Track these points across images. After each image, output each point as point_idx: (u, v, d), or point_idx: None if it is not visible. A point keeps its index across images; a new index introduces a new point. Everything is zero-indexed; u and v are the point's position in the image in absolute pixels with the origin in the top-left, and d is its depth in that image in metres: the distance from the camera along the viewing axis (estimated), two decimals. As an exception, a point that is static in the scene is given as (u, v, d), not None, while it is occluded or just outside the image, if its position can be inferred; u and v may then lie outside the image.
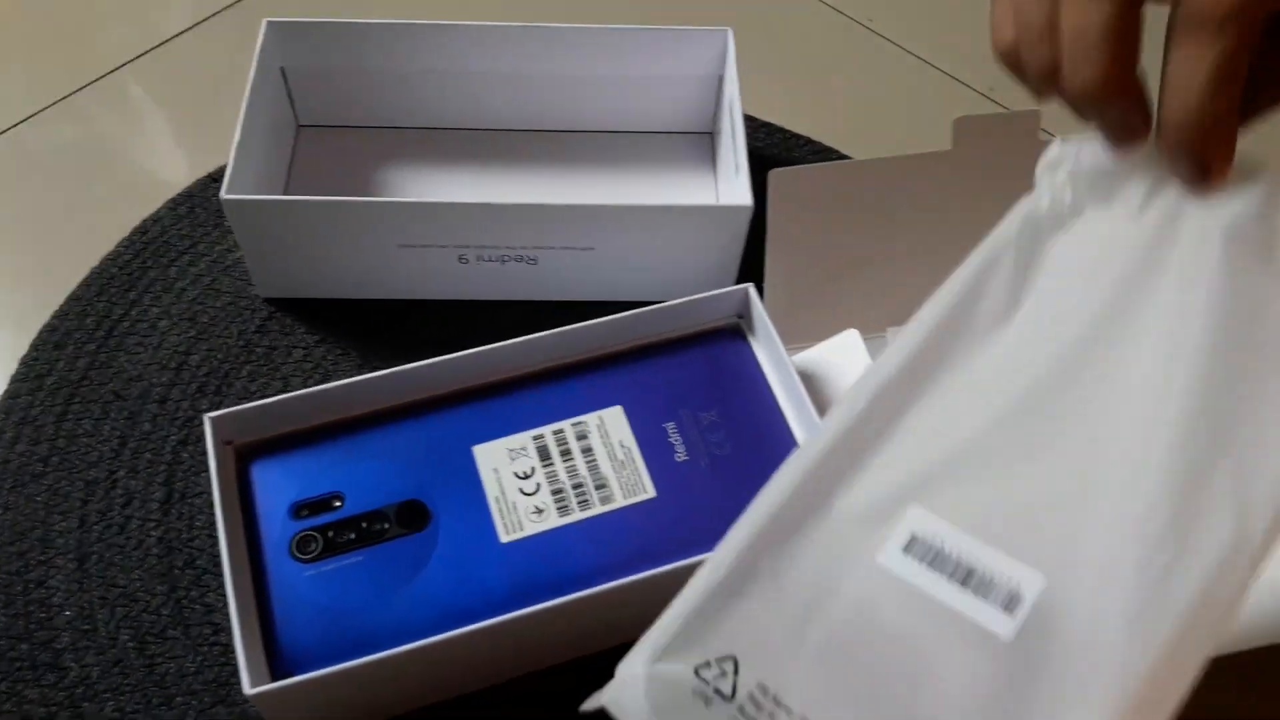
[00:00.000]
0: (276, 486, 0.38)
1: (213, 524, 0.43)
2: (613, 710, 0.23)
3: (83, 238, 0.52)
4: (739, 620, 0.24)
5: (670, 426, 0.41)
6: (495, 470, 0.39)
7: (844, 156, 0.57)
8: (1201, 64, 0.22)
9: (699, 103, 0.55)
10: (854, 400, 0.26)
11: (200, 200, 0.53)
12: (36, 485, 0.44)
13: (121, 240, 0.51)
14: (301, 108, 0.54)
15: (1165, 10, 0.24)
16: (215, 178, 0.54)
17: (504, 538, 0.38)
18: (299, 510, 0.38)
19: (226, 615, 0.40)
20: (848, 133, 0.58)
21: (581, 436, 0.40)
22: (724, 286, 0.43)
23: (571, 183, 0.54)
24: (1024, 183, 0.49)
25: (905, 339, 0.27)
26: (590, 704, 0.24)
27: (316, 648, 0.35)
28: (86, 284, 0.50)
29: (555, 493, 0.39)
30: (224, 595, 0.41)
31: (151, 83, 0.59)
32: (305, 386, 0.42)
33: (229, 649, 0.40)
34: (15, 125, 0.57)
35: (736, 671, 0.23)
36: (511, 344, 0.41)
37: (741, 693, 0.23)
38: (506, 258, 0.47)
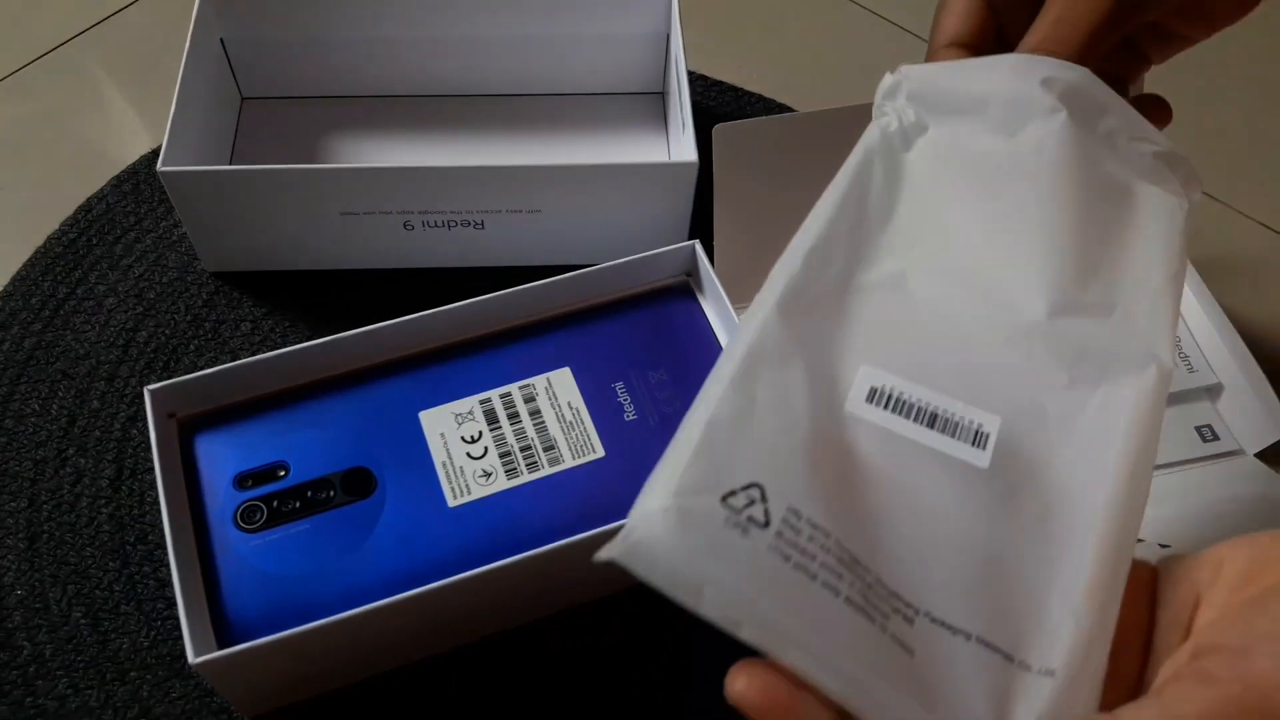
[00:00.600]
0: (220, 457, 0.38)
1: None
2: (632, 561, 0.20)
3: (26, 217, 0.51)
4: (752, 447, 0.22)
5: (619, 386, 0.41)
6: (442, 435, 0.39)
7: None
8: None
9: (649, 62, 0.54)
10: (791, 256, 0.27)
11: (145, 176, 0.52)
12: (-15, 466, 0.43)
13: (66, 219, 0.51)
14: (244, 80, 0.53)
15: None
16: (157, 153, 0.53)
17: (452, 502, 0.38)
18: (243, 480, 0.38)
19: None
20: (799, 88, 0.57)
21: (529, 399, 0.40)
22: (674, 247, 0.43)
23: (524, 147, 0.53)
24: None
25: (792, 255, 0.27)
26: (604, 554, 0.20)
27: (264, 617, 0.35)
28: (31, 264, 0.49)
29: (503, 455, 0.39)
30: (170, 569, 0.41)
31: (96, 59, 0.58)
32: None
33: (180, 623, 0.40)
34: (-44, 106, 0.56)
35: (765, 498, 0.21)
36: (456, 307, 0.41)
37: (775, 519, 0.21)
38: (453, 222, 0.47)
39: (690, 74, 0.54)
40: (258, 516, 0.37)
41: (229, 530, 0.37)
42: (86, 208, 0.51)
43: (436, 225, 0.47)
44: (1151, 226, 0.27)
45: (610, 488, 0.38)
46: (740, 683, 0.20)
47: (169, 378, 0.45)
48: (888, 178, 0.28)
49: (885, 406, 0.24)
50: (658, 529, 0.20)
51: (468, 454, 0.39)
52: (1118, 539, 0.23)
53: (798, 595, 0.21)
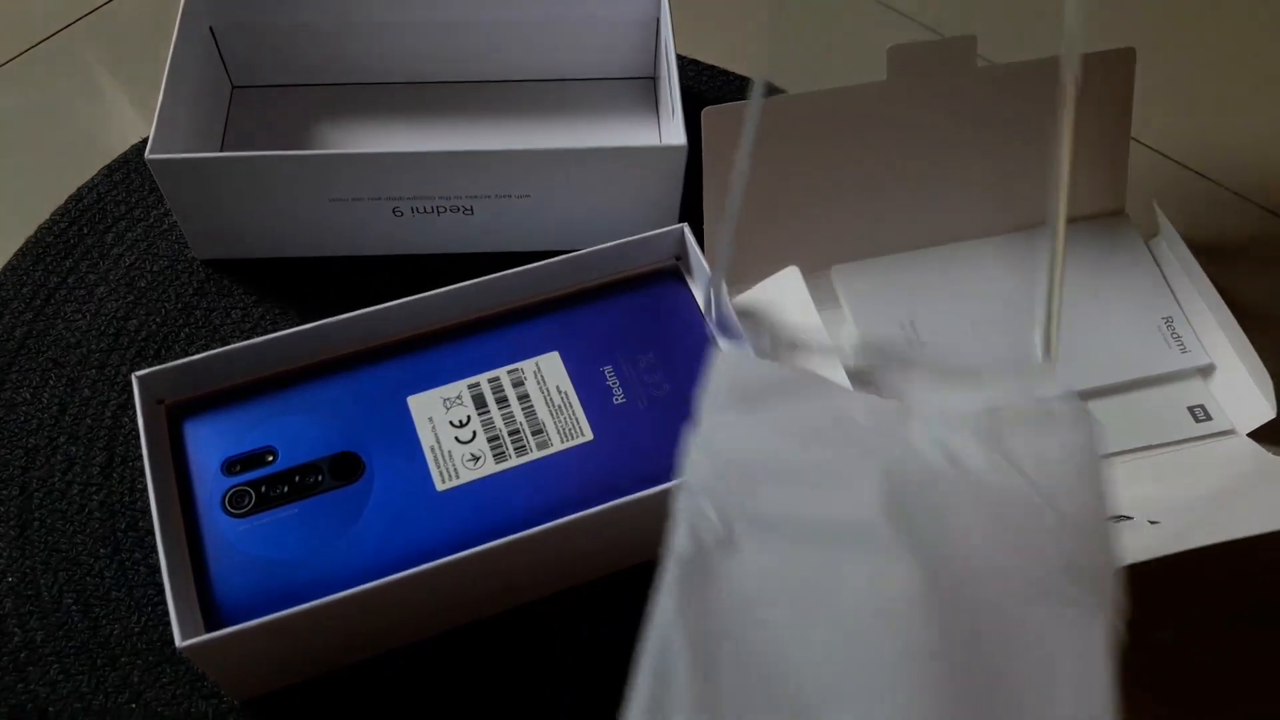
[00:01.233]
0: (208, 443, 0.38)
1: (153, 486, 0.42)
2: None
3: (17, 207, 0.51)
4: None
5: (608, 370, 0.41)
6: (430, 420, 0.39)
7: (789, 97, 0.56)
8: None
9: (639, 48, 0.54)
10: None
11: (136, 165, 0.52)
12: (-24, 455, 0.43)
13: (57, 209, 0.51)
14: (234, 68, 0.53)
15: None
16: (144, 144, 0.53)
17: (440, 486, 0.38)
18: (231, 466, 0.38)
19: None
20: (789, 71, 0.57)
21: (518, 383, 0.40)
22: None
23: (514, 133, 0.53)
24: (960, 111, 0.48)
25: None
26: None
27: (252, 601, 0.35)
28: (22, 254, 0.49)
29: (491, 440, 0.39)
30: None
31: (87, 48, 0.58)
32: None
33: (173, 609, 0.40)
34: (-53, 97, 0.56)
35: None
36: (444, 292, 0.41)
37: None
38: (442, 208, 0.47)
39: (680, 58, 0.54)
40: (246, 501, 0.37)
41: (217, 515, 0.37)
42: (77, 197, 0.51)
43: (426, 211, 0.47)
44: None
45: (599, 471, 0.38)
46: None
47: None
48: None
49: None
50: None
51: (456, 438, 0.39)
52: None
53: None
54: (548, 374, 0.40)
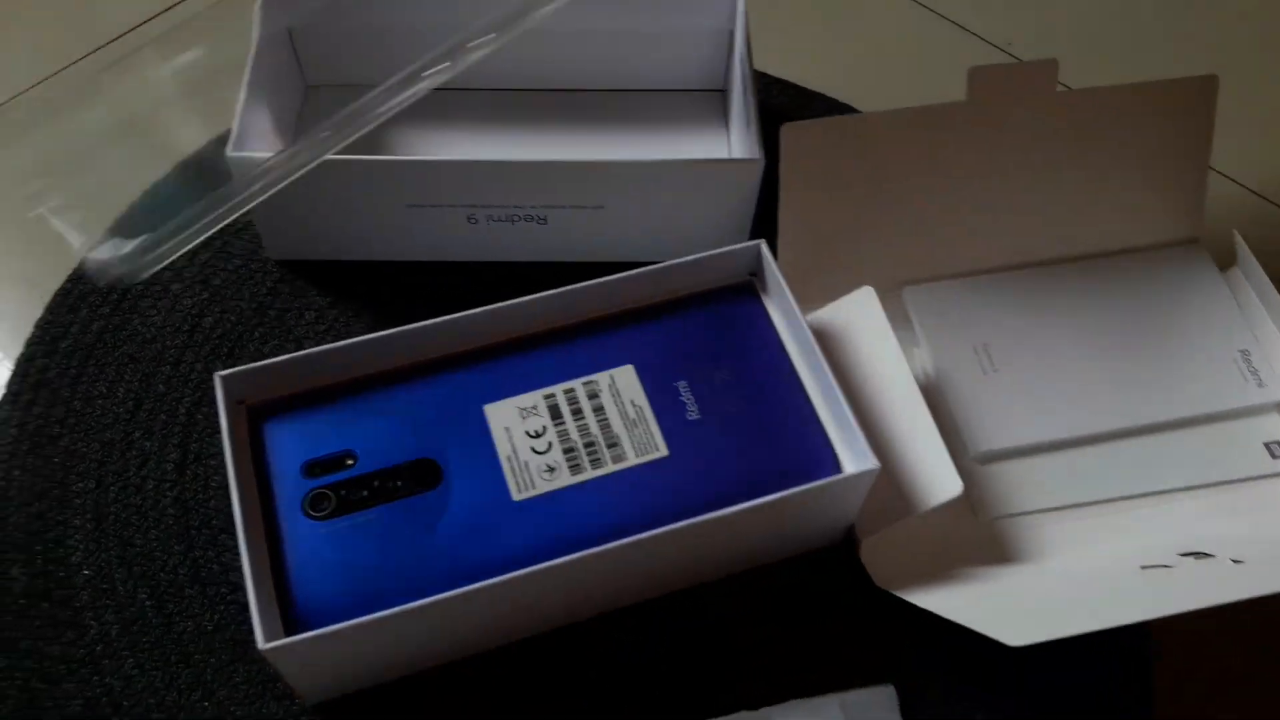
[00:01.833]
0: (289, 445, 0.39)
1: (227, 485, 0.43)
2: None
3: (95, 203, 0.51)
4: None
5: (682, 385, 0.41)
6: (507, 429, 0.39)
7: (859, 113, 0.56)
8: None
9: (711, 59, 0.54)
10: None
11: (210, 163, 0.53)
12: (53, 447, 0.44)
13: (133, 203, 0.51)
14: (309, 68, 0.53)
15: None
16: (224, 140, 0.54)
17: (516, 496, 0.38)
18: (311, 468, 0.38)
19: (242, 574, 0.41)
20: (863, 89, 0.57)
21: (593, 395, 0.40)
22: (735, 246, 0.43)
23: (583, 142, 0.53)
24: (1039, 134, 0.48)
25: None
26: None
27: (332, 604, 0.36)
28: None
29: (567, 451, 0.39)
30: (240, 554, 0.41)
31: (161, 48, 0.59)
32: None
33: (245, 608, 0.40)
34: (23, 91, 0.57)
35: None
36: (522, 302, 0.41)
37: None
38: (516, 217, 0.47)
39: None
40: (326, 505, 0.37)
41: (298, 518, 0.37)
42: (153, 193, 0.52)
43: (500, 220, 0.47)
44: None
45: (674, 487, 0.38)
46: None
47: (233, 364, 0.46)
48: None
49: None
50: None
51: (532, 448, 0.39)
52: None
53: None
54: (622, 387, 0.40)
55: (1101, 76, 0.47)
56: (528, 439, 0.39)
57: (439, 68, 0.41)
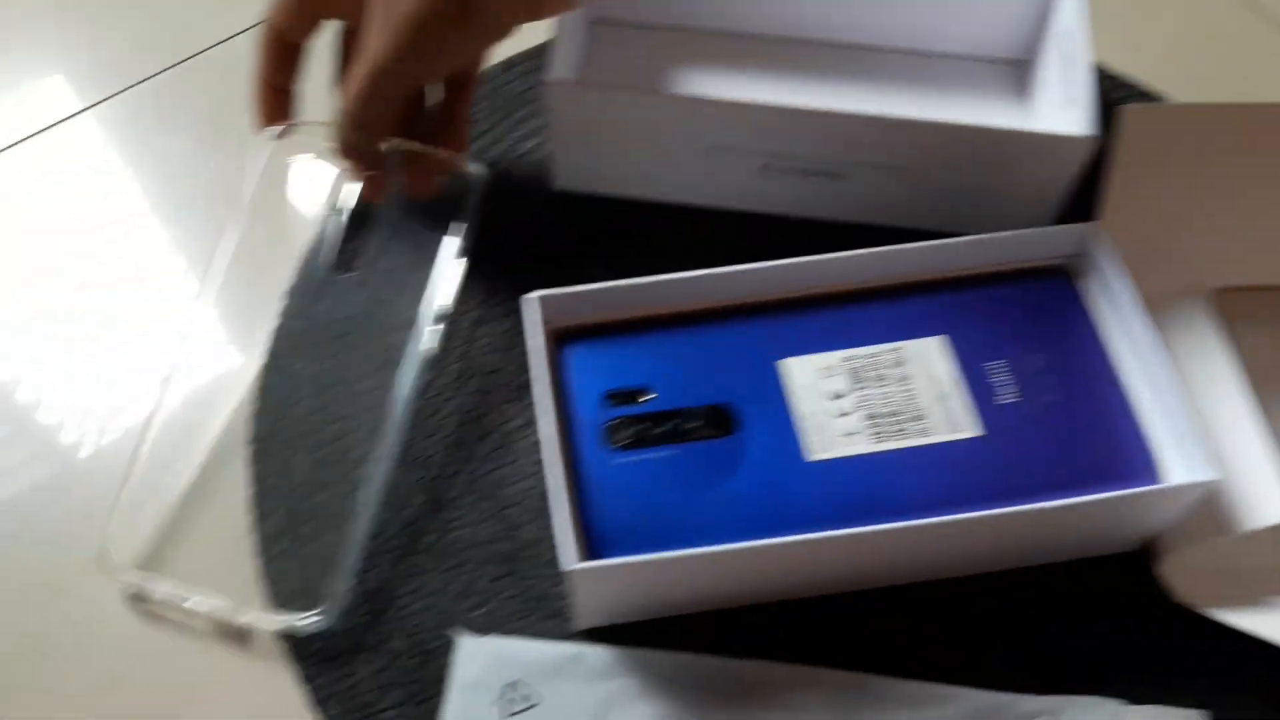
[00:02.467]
0: (590, 372, 0.39)
1: (504, 400, 0.43)
2: None
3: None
4: None
5: (993, 365, 0.39)
6: (804, 387, 0.38)
7: (1173, 101, 0.52)
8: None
9: (1012, 28, 0.51)
10: None
11: (496, 87, 0.53)
12: (341, 343, 0.45)
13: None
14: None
15: None
16: (508, 65, 0.54)
17: (810, 456, 0.37)
18: (612, 398, 0.38)
19: (517, 490, 0.41)
20: (1170, 77, 0.53)
21: (898, 363, 0.39)
22: (1039, 225, 0.40)
23: (876, 99, 0.51)
24: None
25: None
26: None
27: (623, 535, 0.36)
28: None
29: (869, 417, 0.37)
30: (515, 470, 0.42)
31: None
32: (599, 280, 0.41)
33: (517, 525, 0.41)
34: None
35: None
36: (829, 258, 0.40)
37: None
38: (809, 170, 0.46)
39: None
40: (625, 435, 0.37)
41: (596, 446, 0.37)
42: (442, 111, 0.52)
43: (794, 171, 0.46)
44: None
45: (985, 469, 0.36)
46: None
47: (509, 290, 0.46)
48: None
49: None
50: None
51: (830, 410, 0.38)
52: None
53: None
54: (931, 358, 0.39)
55: None
56: (826, 400, 0.38)
57: None
